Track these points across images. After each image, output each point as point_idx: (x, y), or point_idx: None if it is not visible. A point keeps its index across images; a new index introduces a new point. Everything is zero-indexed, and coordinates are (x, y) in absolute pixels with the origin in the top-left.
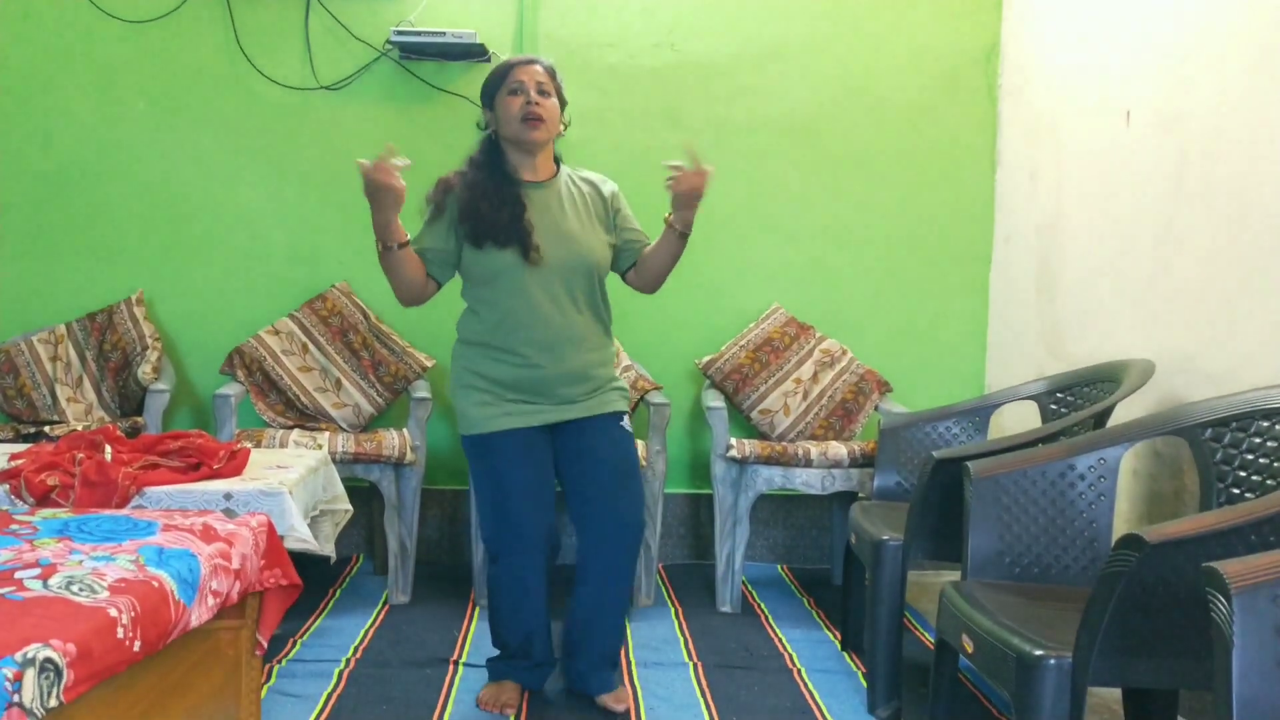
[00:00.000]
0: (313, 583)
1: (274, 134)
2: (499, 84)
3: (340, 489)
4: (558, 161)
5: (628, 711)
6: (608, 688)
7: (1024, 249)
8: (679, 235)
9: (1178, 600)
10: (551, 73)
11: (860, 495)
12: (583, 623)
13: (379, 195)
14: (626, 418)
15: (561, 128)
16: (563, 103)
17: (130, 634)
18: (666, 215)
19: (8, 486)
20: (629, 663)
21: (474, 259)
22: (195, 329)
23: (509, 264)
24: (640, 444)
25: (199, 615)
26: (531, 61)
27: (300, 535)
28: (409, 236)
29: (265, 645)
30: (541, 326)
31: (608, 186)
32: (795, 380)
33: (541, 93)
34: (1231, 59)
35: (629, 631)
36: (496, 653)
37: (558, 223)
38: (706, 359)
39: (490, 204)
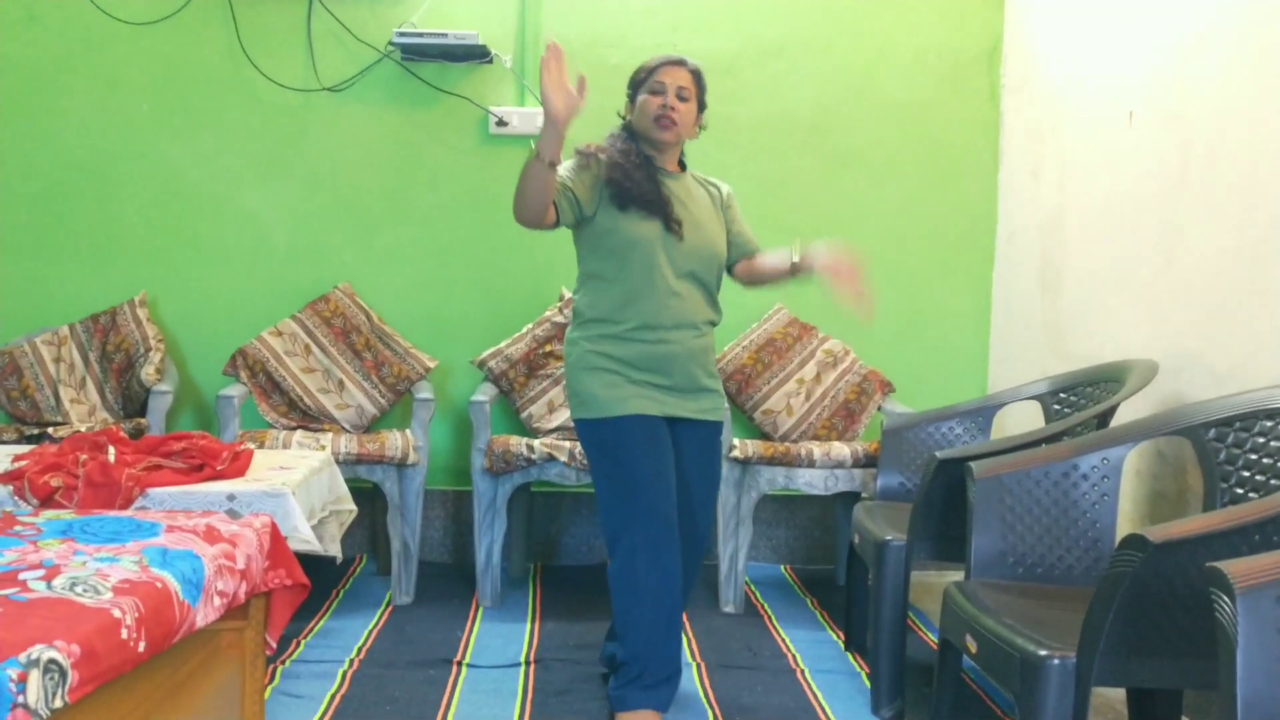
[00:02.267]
0: (316, 583)
1: (276, 135)
2: (645, 79)
3: (344, 489)
4: (682, 164)
5: None
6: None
7: (1027, 248)
8: (794, 274)
9: (1181, 600)
10: (696, 77)
11: (863, 495)
12: None
13: (556, 105)
14: (721, 429)
15: (697, 131)
16: (702, 106)
17: (135, 634)
18: (796, 258)
19: (11, 488)
20: None
21: (613, 224)
22: (198, 330)
23: (649, 235)
24: None
25: (205, 615)
26: (679, 64)
27: (304, 536)
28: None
29: (274, 646)
30: (672, 302)
31: (725, 187)
32: (798, 380)
33: (681, 97)
34: (1234, 58)
35: None
36: (620, 673)
37: (691, 210)
38: None
39: (643, 173)
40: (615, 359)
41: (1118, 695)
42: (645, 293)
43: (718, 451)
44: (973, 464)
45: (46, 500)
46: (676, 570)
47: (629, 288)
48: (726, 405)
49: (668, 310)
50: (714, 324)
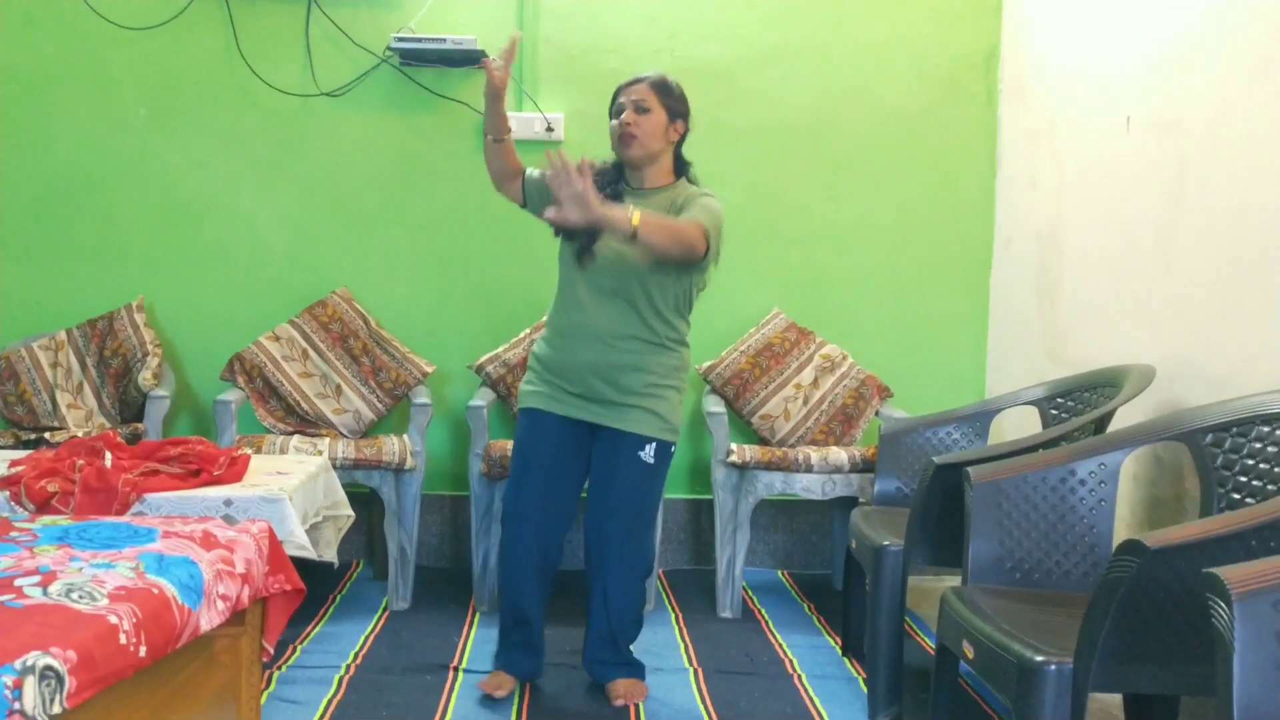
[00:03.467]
0: (313, 589)
1: (275, 140)
2: (611, 108)
3: (341, 494)
4: (683, 174)
5: (626, 708)
6: (609, 677)
7: (1024, 254)
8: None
9: (1179, 606)
10: (657, 87)
11: (861, 500)
12: (591, 619)
13: (490, 90)
14: (651, 446)
15: (671, 137)
16: (674, 112)
17: (134, 639)
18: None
19: (8, 493)
20: None
21: (560, 242)
22: (196, 335)
23: (569, 256)
24: None
25: (209, 619)
26: (635, 81)
27: (299, 541)
28: (510, 133)
29: (271, 651)
30: (579, 316)
31: (691, 191)
32: (796, 385)
33: (640, 110)
34: (1230, 65)
35: None
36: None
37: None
38: (707, 364)
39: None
40: (538, 358)
41: (1114, 701)
42: (562, 305)
43: (632, 462)
44: (970, 469)
45: (43, 506)
46: (528, 554)
47: (559, 301)
48: (664, 420)
49: (576, 323)
50: (648, 341)
